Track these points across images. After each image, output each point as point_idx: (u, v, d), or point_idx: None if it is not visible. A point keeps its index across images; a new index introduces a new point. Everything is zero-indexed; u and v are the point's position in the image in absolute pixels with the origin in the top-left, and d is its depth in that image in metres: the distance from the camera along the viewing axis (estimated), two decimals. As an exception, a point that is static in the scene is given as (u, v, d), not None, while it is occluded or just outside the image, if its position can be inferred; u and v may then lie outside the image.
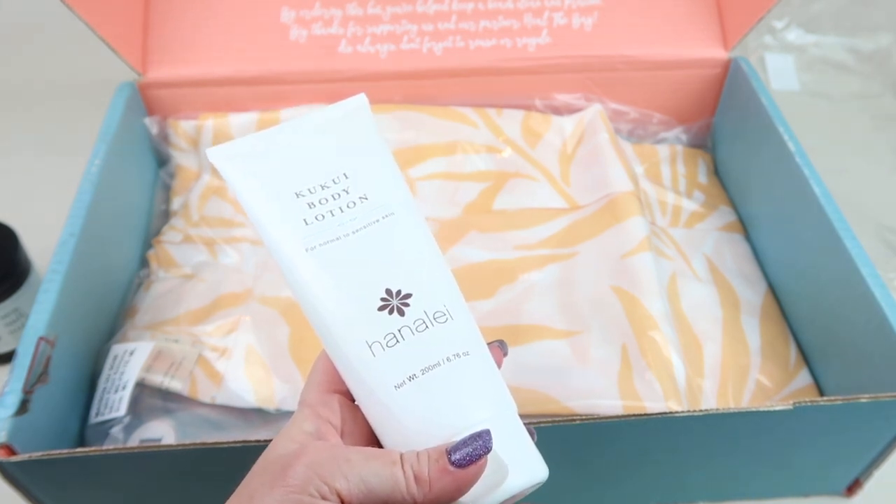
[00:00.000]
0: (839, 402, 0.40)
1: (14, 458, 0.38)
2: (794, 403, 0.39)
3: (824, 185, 0.51)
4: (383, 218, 0.32)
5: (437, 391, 0.29)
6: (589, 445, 0.42)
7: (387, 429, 0.30)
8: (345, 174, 0.33)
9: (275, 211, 0.32)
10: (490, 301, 0.53)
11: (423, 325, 0.30)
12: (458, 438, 0.28)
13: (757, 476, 0.47)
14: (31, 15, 0.88)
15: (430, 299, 0.31)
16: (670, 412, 0.39)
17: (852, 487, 0.49)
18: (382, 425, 0.30)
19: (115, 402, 0.47)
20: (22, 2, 0.89)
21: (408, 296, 0.31)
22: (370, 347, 0.30)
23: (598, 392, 0.47)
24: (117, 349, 0.50)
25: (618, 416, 0.39)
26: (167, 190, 0.64)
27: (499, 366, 0.32)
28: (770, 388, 0.51)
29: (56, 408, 0.44)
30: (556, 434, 0.39)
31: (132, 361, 0.49)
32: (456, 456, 0.27)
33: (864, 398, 0.39)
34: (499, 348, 0.33)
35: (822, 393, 0.51)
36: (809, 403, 0.39)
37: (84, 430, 0.48)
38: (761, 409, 0.40)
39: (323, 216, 0.32)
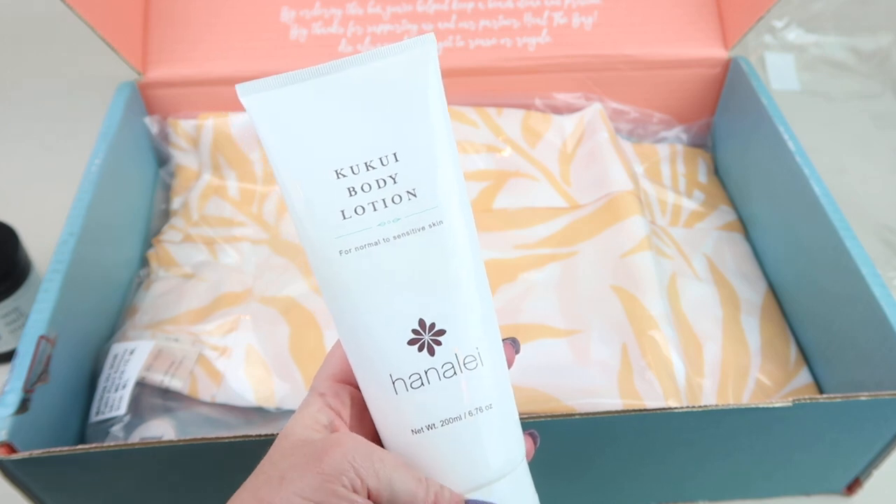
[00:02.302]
0: (839, 400, 0.40)
1: (14, 456, 0.38)
2: (794, 400, 0.39)
3: (824, 184, 0.51)
4: (430, 226, 0.28)
5: (454, 444, 0.29)
6: (589, 443, 0.42)
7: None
8: (395, 155, 0.28)
9: (311, 194, 0.28)
10: (490, 300, 0.53)
11: (452, 371, 0.29)
12: (474, 496, 0.29)
13: (757, 475, 0.47)
14: (31, 14, 0.88)
15: (463, 340, 0.29)
16: (669, 408, 0.39)
17: (852, 486, 0.49)
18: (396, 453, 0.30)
19: (115, 400, 0.47)
20: (22, 1, 0.89)
21: (441, 332, 0.29)
22: (393, 384, 0.29)
23: (598, 391, 0.47)
24: (117, 348, 0.50)
25: (617, 412, 0.39)
26: (167, 189, 0.64)
27: (510, 364, 0.31)
28: (770, 388, 0.51)
29: (56, 406, 0.44)
30: (555, 431, 0.39)
31: (132, 360, 0.49)
32: None
33: (864, 396, 0.39)
34: (511, 346, 0.32)
35: (822, 392, 0.51)
36: (809, 400, 0.39)
37: (84, 428, 0.48)
38: (761, 405, 0.40)
39: (363, 209, 0.28)
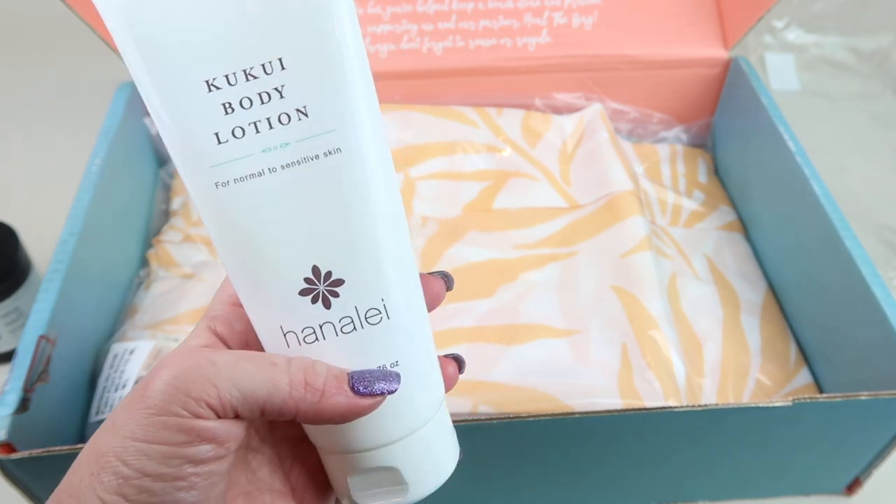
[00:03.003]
0: (838, 399, 0.40)
1: (14, 456, 0.38)
2: (794, 400, 0.39)
3: (824, 184, 0.51)
4: (325, 155, 0.23)
5: None
6: (588, 443, 0.42)
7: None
8: (281, 61, 0.23)
9: (178, 113, 0.23)
10: (490, 300, 0.53)
11: (350, 326, 0.25)
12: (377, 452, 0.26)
13: (757, 475, 0.47)
14: (31, 14, 0.88)
15: (364, 291, 0.25)
16: (669, 407, 0.39)
17: (852, 486, 0.49)
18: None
19: (115, 400, 0.47)
20: (22, 2, 0.89)
21: (338, 282, 0.24)
22: (284, 337, 0.25)
23: (598, 391, 0.47)
24: (117, 348, 0.50)
25: (617, 411, 0.39)
26: (167, 190, 0.64)
27: (439, 300, 0.28)
28: (770, 388, 0.51)
29: (56, 406, 0.44)
30: (555, 430, 0.39)
31: (132, 360, 0.49)
32: (357, 382, 0.25)
33: (864, 395, 0.39)
34: (443, 280, 0.28)
35: (822, 392, 0.51)
36: (809, 400, 0.39)
37: (84, 428, 0.48)
38: (761, 405, 0.40)
39: (242, 131, 0.23)
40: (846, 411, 0.41)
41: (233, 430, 0.23)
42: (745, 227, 0.62)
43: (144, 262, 0.58)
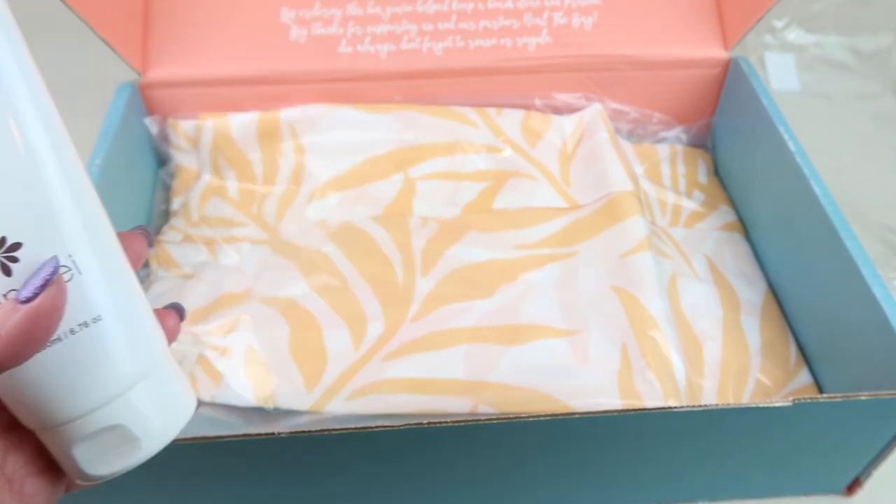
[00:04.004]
0: (839, 400, 0.40)
1: (14, 457, 0.38)
2: (794, 400, 0.39)
3: (824, 184, 0.51)
4: None
5: (62, 369, 0.25)
6: (588, 443, 0.42)
7: (10, 402, 0.25)
8: None
9: None
10: (490, 300, 0.53)
11: None
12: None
13: (757, 475, 0.47)
14: (30, 15, 0.88)
15: (49, 251, 0.24)
16: (669, 407, 0.39)
17: (852, 486, 0.49)
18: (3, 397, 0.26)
19: (114, 401, 0.47)
20: (22, 1, 0.89)
21: (16, 246, 0.24)
22: None
23: (598, 391, 0.47)
24: (117, 348, 0.50)
25: (617, 411, 0.39)
26: (167, 190, 0.64)
27: (143, 257, 0.29)
28: (770, 388, 0.51)
29: (56, 407, 0.44)
30: (555, 431, 0.39)
31: (132, 360, 0.48)
32: (23, 291, 0.23)
33: (864, 396, 0.39)
34: (143, 236, 0.29)
35: (822, 392, 0.51)
36: (809, 400, 0.39)
37: (84, 429, 0.48)
38: (761, 405, 0.39)
39: None
40: (846, 411, 0.41)
41: None
42: (745, 228, 0.62)
43: (144, 263, 0.58)
